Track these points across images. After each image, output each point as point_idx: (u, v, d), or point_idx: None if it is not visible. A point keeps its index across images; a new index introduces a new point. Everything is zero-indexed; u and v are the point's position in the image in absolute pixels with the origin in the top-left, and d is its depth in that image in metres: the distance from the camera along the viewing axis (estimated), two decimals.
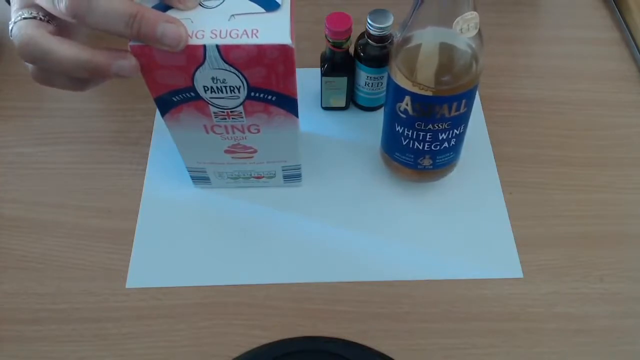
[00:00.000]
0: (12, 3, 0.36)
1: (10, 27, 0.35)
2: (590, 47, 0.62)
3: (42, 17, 0.35)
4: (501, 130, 0.55)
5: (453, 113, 0.42)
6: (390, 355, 0.43)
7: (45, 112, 0.56)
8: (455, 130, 0.44)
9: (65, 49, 0.34)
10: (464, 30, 0.37)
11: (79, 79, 0.37)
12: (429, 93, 0.41)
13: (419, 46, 0.41)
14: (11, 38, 0.35)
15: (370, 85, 0.52)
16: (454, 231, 0.49)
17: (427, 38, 0.40)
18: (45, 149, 0.54)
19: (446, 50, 0.40)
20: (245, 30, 0.35)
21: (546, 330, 0.44)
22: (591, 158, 0.54)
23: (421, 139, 0.45)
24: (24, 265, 0.47)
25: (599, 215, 0.50)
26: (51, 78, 0.37)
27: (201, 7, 0.36)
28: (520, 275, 0.47)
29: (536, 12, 0.66)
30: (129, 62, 0.35)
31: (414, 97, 0.41)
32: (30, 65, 0.36)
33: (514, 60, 0.61)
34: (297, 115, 0.42)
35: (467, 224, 0.49)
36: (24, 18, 0.35)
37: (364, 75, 0.51)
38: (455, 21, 0.37)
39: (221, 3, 0.36)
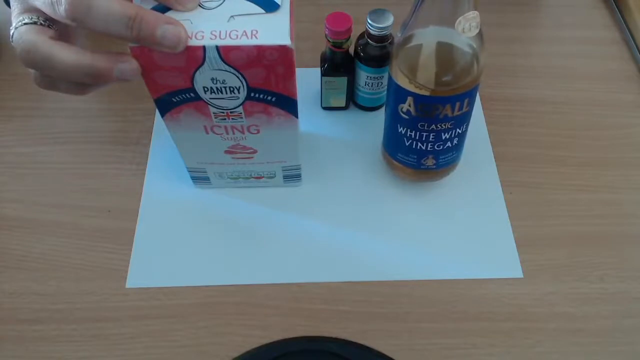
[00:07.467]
0: (12, 7, 0.36)
1: (11, 33, 0.35)
2: (590, 47, 0.62)
3: (43, 22, 0.35)
4: (501, 130, 0.55)
5: (456, 113, 0.42)
6: (390, 355, 0.43)
7: (45, 112, 0.56)
8: (457, 130, 0.44)
9: (66, 55, 0.34)
10: (466, 29, 0.37)
11: (82, 83, 0.37)
12: (431, 94, 0.41)
13: (420, 46, 0.41)
14: (12, 43, 0.35)
15: (370, 85, 0.52)
16: (454, 231, 0.49)
17: (428, 38, 0.40)
18: (45, 149, 0.54)
19: (448, 50, 0.40)
20: (244, 31, 0.35)
21: (546, 330, 0.44)
22: (591, 158, 0.54)
23: (424, 140, 0.45)
24: (24, 265, 0.47)
25: (599, 215, 0.50)
26: (54, 83, 0.37)
27: (201, 8, 0.36)
28: (520, 275, 0.47)
29: (536, 12, 0.66)
30: (130, 65, 0.35)
31: (417, 97, 0.41)
32: (32, 71, 0.36)
33: (514, 60, 0.61)
34: (296, 116, 0.42)
35: (467, 224, 0.49)
36: (25, 23, 0.35)
37: (364, 75, 0.51)
38: (457, 21, 0.37)
39: (221, 4, 0.36)
